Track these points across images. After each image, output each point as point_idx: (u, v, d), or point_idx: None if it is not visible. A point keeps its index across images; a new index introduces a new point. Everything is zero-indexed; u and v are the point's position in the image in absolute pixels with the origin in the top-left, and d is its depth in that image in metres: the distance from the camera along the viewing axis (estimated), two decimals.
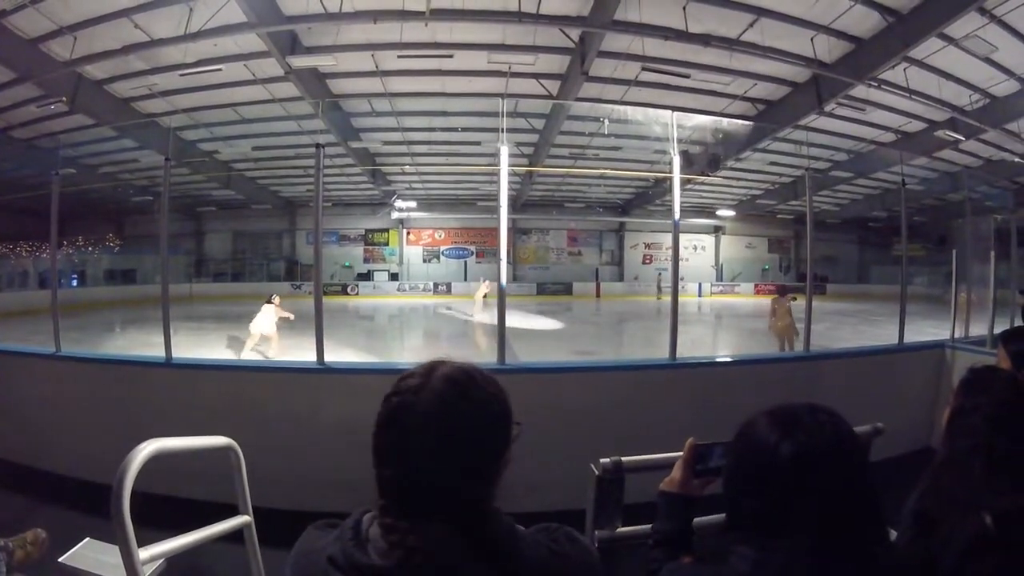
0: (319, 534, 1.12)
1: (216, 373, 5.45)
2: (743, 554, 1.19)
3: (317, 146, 5.81)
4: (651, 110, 20.47)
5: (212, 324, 20.50)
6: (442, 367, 1.10)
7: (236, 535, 3.15)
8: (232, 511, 3.16)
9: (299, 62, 15.01)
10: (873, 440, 3.40)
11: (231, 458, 3.12)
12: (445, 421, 1.03)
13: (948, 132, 20.17)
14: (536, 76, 17.39)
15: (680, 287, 6.22)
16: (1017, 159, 23.46)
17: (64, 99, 16.60)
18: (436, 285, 38.89)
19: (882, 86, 16.41)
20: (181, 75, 16.04)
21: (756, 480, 1.22)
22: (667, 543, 1.56)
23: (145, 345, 12.12)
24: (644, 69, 16.68)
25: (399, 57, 15.93)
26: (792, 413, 1.23)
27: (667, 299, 32.38)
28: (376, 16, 13.22)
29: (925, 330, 10.90)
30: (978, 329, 8.87)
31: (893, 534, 1.62)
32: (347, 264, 40.61)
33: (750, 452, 1.26)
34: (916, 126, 21.49)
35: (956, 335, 8.42)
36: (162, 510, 3.37)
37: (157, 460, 2.39)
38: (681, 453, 1.67)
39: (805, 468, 1.15)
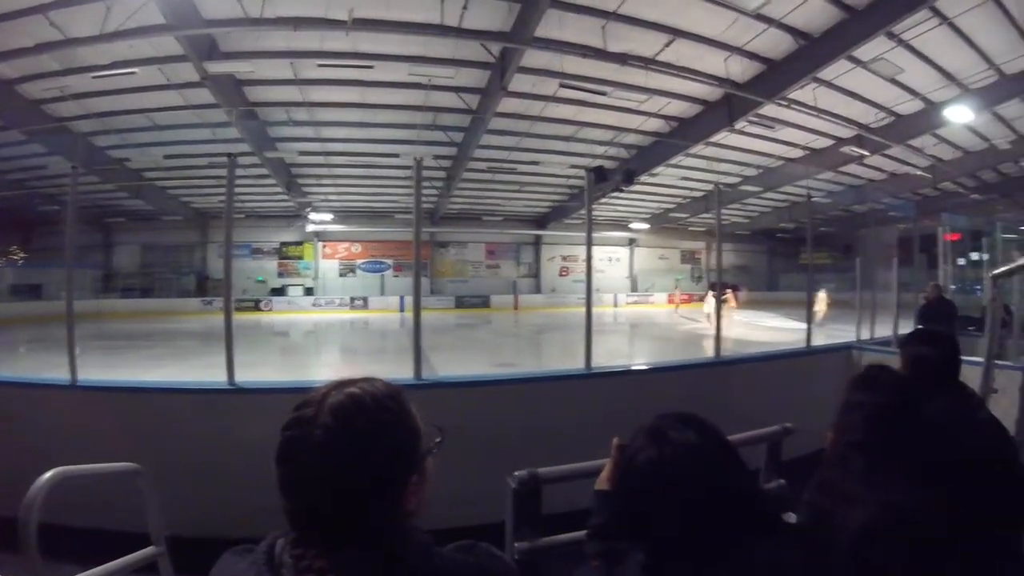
0: (235, 560, 1.11)
1: (124, 395, 5.23)
2: (636, 558, 1.29)
3: (229, 156, 5.67)
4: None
5: (123, 342, 19.76)
6: (333, 395, 1.09)
7: (150, 566, 3.06)
8: (145, 541, 3.07)
9: (216, 68, 14.60)
10: (784, 439, 3.57)
11: (140, 485, 3.03)
12: (334, 456, 1.02)
13: (854, 148, 21.20)
14: (456, 90, 17.44)
15: (595, 298, 6.33)
16: (920, 172, 24.74)
17: None
18: (353, 300, 38.10)
19: (792, 105, 17.11)
20: (94, 77, 15.38)
21: (623, 485, 1.38)
22: (600, 535, 1.63)
23: (53, 366, 11.60)
24: (563, 86, 16.91)
25: (319, 66, 15.75)
26: (659, 427, 1.33)
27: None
28: (297, 23, 13.00)
29: (834, 333, 11.36)
30: (884, 330, 9.30)
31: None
32: (260, 279, 39.10)
33: (621, 459, 1.39)
34: (823, 142, 22.50)
35: (862, 337, 8.81)
36: (71, 542, 3.25)
37: (64, 489, 2.31)
38: (597, 462, 1.74)
39: (654, 477, 1.26)
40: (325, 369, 15.97)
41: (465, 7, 12.84)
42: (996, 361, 4.17)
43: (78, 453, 2.97)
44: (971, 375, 3.03)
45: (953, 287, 13.37)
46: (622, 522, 1.36)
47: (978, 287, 18.12)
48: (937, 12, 12.62)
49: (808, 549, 1.30)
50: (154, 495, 3.06)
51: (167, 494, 3.16)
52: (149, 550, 3.04)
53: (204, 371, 12.36)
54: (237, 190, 5.69)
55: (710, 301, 25.25)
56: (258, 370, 12.51)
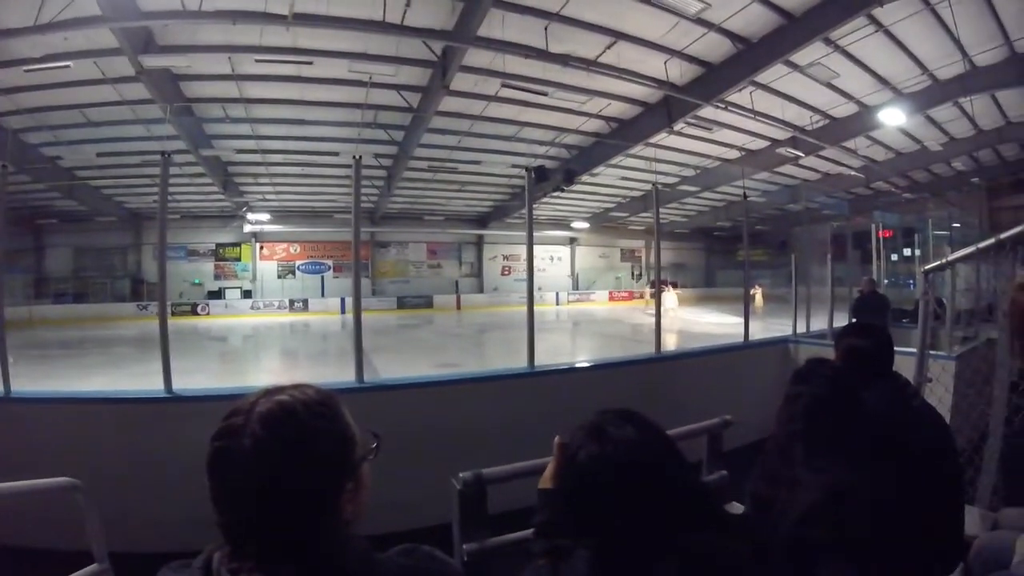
0: None
1: (60, 406, 5.05)
2: (582, 555, 1.30)
3: (163, 154, 5.52)
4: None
5: (57, 351, 19.06)
6: (262, 403, 1.07)
7: None
8: (88, 559, 2.95)
9: (152, 61, 14.08)
10: (724, 431, 3.64)
11: (79, 500, 2.92)
12: (264, 466, 1.00)
13: (789, 149, 21.76)
14: (397, 88, 17.28)
15: (538, 296, 6.37)
16: (854, 173, 25.61)
17: None
18: (292, 302, 36.95)
19: (729, 107, 17.43)
20: (26, 71, 14.61)
21: (565, 483, 1.40)
22: (545, 533, 1.63)
23: None
24: (504, 85, 16.93)
25: (257, 61, 15.35)
26: (599, 423, 1.36)
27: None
28: (236, 17, 12.60)
29: (771, 327, 11.60)
30: (819, 324, 9.54)
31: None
32: (196, 281, 37.61)
33: (563, 457, 1.40)
34: (759, 144, 23.06)
35: (798, 330, 9.02)
36: (11, 563, 3.13)
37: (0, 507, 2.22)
38: (541, 461, 1.74)
39: (596, 474, 1.28)
40: (265, 374, 15.65)
41: (408, 4, 12.71)
42: (930, 351, 4.32)
43: (13, 468, 2.86)
44: (905, 365, 3.13)
45: (886, 281, 13.90)
46: (567, 520, 1.36)
47: (911, 281, 18.88)
48: (873, 19, 13.05)
49: (753, 539, 1.32)
50: (95, 510, 2.95)
51: (108, 509, 3.05)
52: (92, 568, 2.93)
53: (141, 379, 12.04)
54: (172, 189, 5.53)
55: (672, 297, 29.06)
56: (196, 377, 12.27)
